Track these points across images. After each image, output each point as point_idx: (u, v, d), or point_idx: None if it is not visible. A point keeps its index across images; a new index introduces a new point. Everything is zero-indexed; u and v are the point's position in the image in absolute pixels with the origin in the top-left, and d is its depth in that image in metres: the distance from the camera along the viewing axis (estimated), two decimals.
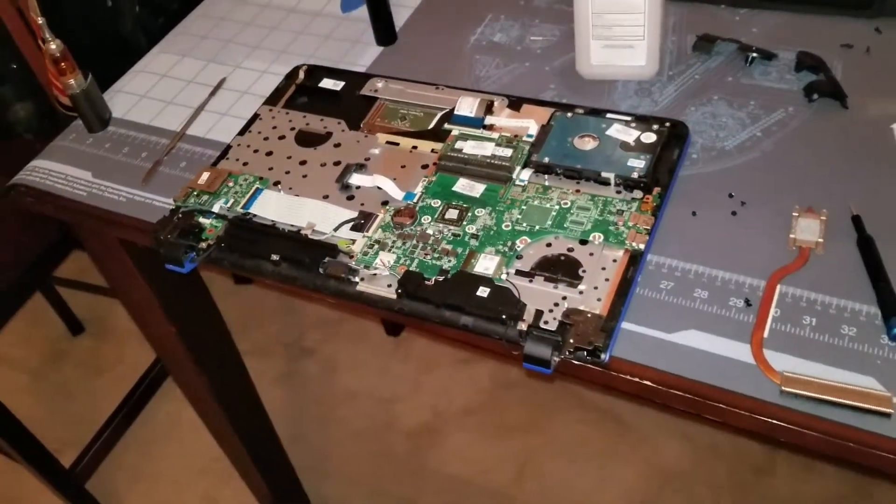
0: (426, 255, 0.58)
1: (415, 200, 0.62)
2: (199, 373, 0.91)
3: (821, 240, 0.55)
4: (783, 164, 0.61)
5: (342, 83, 0.74)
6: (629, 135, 0.62)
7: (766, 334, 0.50)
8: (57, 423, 1.48)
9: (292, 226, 0.62)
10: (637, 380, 0.51)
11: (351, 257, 0.59)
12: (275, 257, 0.60)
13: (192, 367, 0.90)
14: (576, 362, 0.51)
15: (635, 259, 0.55)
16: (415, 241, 0.59)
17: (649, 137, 0.62)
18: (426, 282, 0.56)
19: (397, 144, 0.67)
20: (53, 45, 0.69)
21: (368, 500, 1.31)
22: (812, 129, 0.63)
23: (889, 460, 0.45)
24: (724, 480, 1.24)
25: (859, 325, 0.50)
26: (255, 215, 0.63)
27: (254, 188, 0.65)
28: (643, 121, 0.63)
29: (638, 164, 0.60)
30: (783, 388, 0.47)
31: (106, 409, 1.40)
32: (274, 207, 0.64)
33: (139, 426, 1.45)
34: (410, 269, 0.57)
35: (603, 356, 0.51)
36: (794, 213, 0.56)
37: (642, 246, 0.56)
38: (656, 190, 0.59)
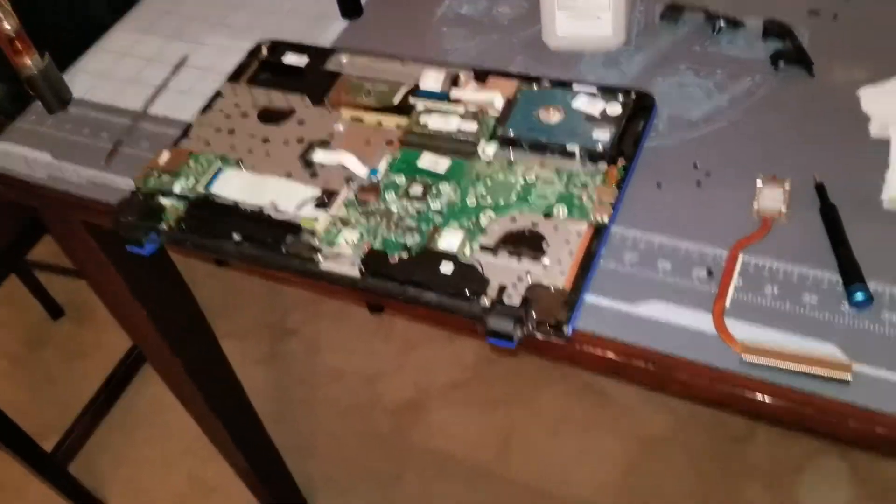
0: (390, 232, 0.57)
1: (379, 177, 0.61)
2: (172, 354, 0.90)
3: (784, 209, 0.54)
4: (749, 133, 0.60)
5: (306, 58, 0.73)
6: (595, 107, 0.62)
7: (727, 304, 0.50)
8: (39, 407, 1.47)
9: (254, 205, 0.61)
10: (600, 353, 0.51)
11: (314, 236, 0.58)
12: (237, 237, 0.59)
13: (166, 349, 0.89)
14: (539, 336, 0.51)
15: (599, 232, 0.55)
16: (379, 219, 0.58)
17: (615, 109, 0.61)
18: (390, 259, 0.56)
19: (362, 120, 0.66)
20: (7, 25, 0.68)
21: (354, 478, 1.32)
22: (778, 97, 0.62)
23: (848, 427, 0.45)
24: (704, 449, 1.25)
25: (821, 293, 0.50)
26: (216, 195, 0.63)
27: (215, 167, 0.65)
28: (609, 92, 0.63)
29: (603, 136, 0.59)
30: (743, 357, 0.47)
31: (87, 393, 1.40)
32: (236, 187, 0.63)
33: (121, 409, 1.45)
34: (374, 246, 0.57)
35: (565, 330, 0.50)
36: (758, 183, 0.56)
37: (606, 219, 0.55)
38: (621, 162, 0.58)
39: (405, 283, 0.55)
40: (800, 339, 0.48)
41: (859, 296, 0.48)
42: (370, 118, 0.66)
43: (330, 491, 1.31)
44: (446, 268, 0.54)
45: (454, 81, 0.66)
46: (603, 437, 1.29)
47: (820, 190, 0.55)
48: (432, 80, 0.66)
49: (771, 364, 0.46)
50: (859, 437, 0.45)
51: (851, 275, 0.49)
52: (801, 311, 0.49)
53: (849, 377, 0.45)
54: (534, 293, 0.52)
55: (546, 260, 0.54)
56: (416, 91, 0.67)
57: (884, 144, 0.56)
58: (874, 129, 0.57)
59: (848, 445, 1.20)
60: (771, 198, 0.55)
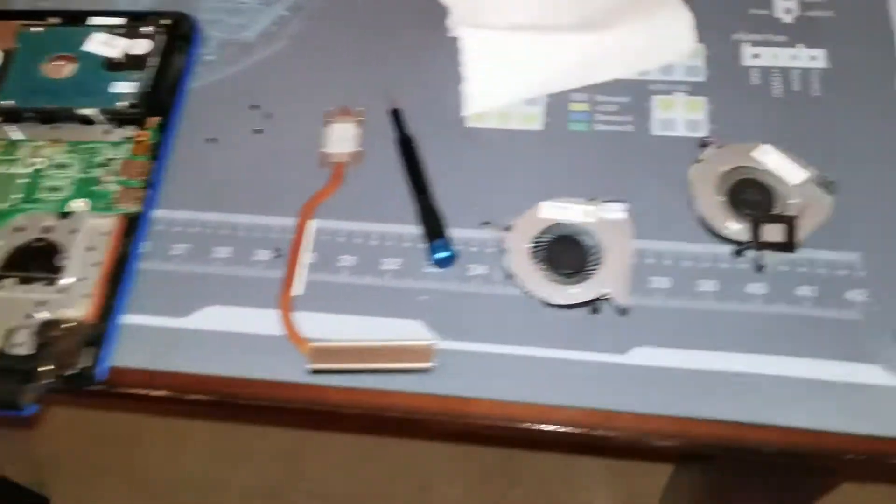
0: None
1: None
2: None
3: (359, 149, 0.44)
4: (315, 51, 0.48)
5: None
6: (115, 46, 0.47)
7: (300, 291, 0.40)
8: None
9: None
10: (151, 392, 0.39)
11: None
12: None
13: None
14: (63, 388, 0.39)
15: (133, 225, 0.42)
16: None
17: (142, 46, 0.47)
18: None
19: None
20: None
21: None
22: None
23: (438, 422, 0.38)
24: None
25: (404, 255, 0.41)
26: None
27: None
28: (135, 21, 0.48)
29: (126, 88, 0.45)
30: (309, 365, 0.38)
31: None
32: None
33: None
34: None
35: (94, 374, 0.38)
36: (325, 119, 0.45)
37: (139, 205, 0.42)
38: (153, 121, 0.45)
39: None
40: (384, 319, 0.39)
41: (440, 254, 0.40)
42: None
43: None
44: None
45: None
46: None
47: (396, 116, 0.45)
48: None
49: (340, 368, 0.38)
50: (452, 430, 0.38)
51: (432, 227, 0.41)
52: (382, 283, 0.40)
53: (429, 364, 0.37)
54: (46, 335, 0.39)
55: (64, 280, 0.40)
56: None
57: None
58: (453, 26, 0.48)
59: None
60: (341, 137, 0.45)
